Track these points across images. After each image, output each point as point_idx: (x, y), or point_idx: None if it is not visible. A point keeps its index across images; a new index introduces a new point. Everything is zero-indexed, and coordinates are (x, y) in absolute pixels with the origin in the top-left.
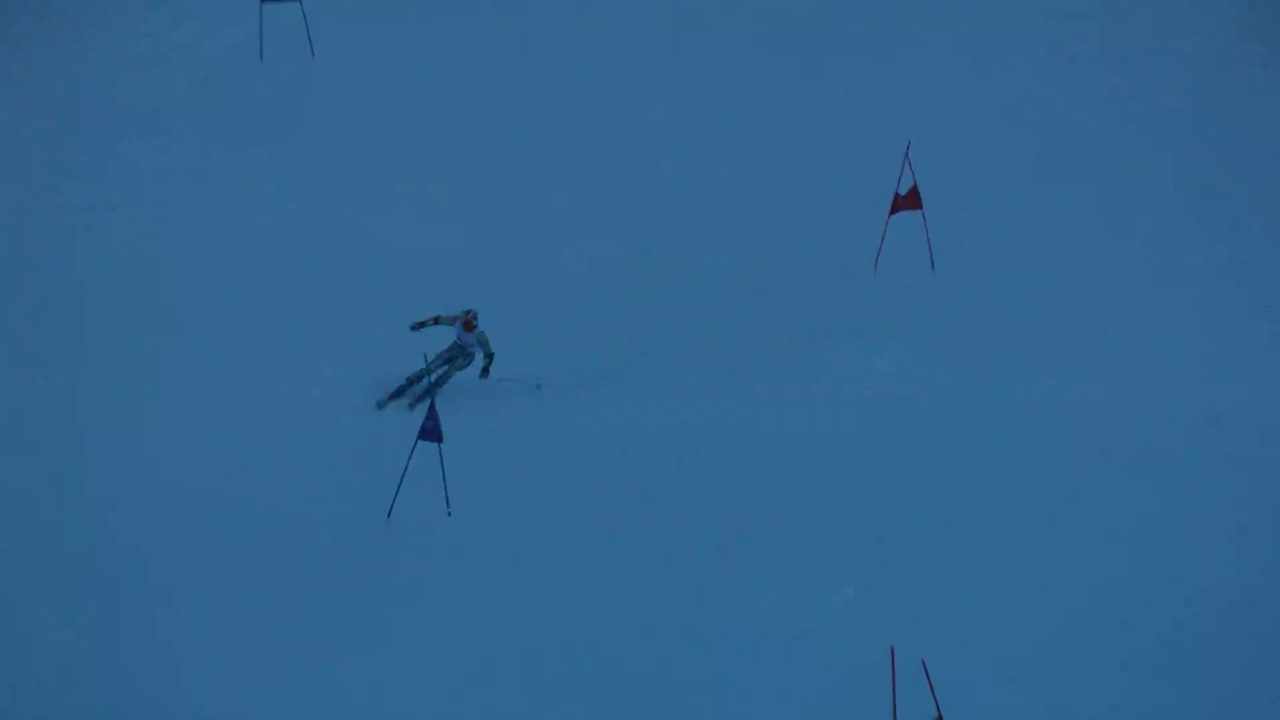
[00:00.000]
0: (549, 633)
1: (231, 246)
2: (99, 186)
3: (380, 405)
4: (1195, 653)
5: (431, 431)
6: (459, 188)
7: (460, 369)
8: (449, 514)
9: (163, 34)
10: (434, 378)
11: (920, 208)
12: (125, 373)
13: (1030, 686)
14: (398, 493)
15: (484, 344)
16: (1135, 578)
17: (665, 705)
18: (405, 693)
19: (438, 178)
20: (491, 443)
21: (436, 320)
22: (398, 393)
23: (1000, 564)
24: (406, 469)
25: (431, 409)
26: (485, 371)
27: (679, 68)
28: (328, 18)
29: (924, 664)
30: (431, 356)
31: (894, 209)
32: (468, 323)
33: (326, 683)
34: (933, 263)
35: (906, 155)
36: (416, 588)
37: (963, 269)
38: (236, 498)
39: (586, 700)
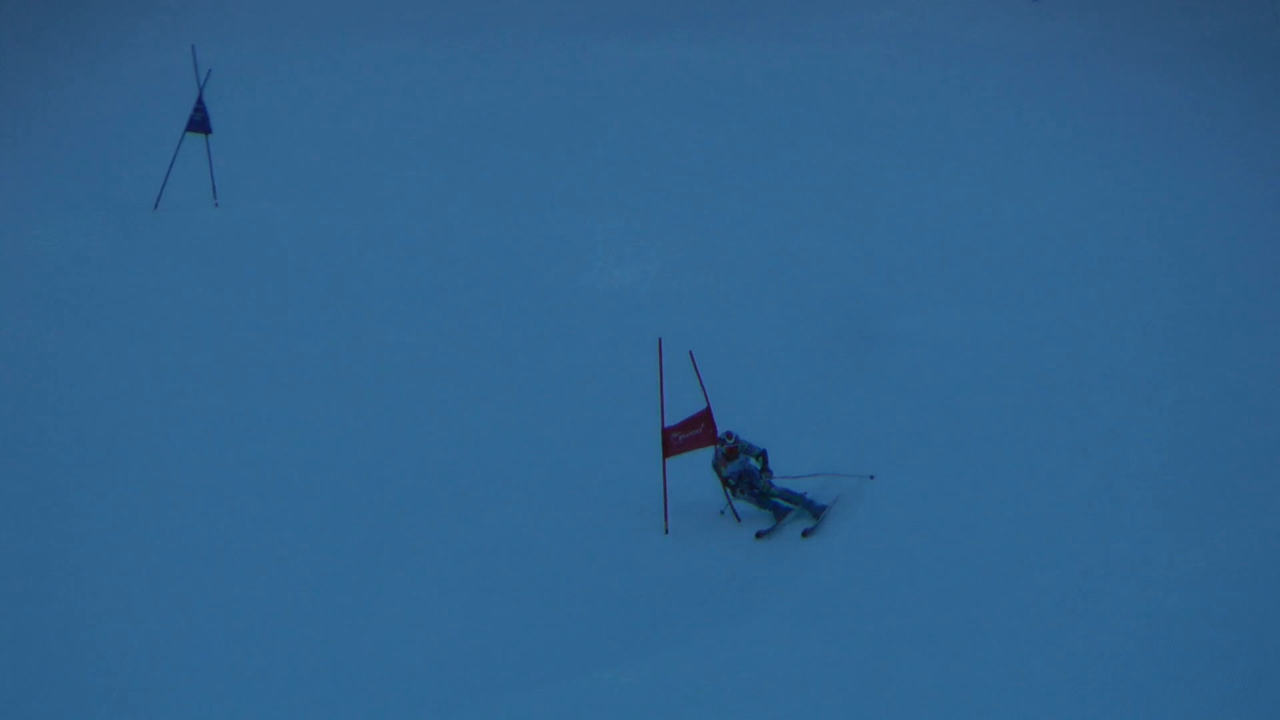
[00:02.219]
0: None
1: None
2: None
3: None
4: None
5: (200, 124)
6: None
7: (767, 480)
8: (216, 205)
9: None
10: (802, 504)
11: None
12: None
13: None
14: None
15: (746, 449)
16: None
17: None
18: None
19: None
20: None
21: (731, 488)
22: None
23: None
24: (172, 164)
25: (199, 101)
26: (767, 472)
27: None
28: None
29: (690, 354)
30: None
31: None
32: (731, 450)
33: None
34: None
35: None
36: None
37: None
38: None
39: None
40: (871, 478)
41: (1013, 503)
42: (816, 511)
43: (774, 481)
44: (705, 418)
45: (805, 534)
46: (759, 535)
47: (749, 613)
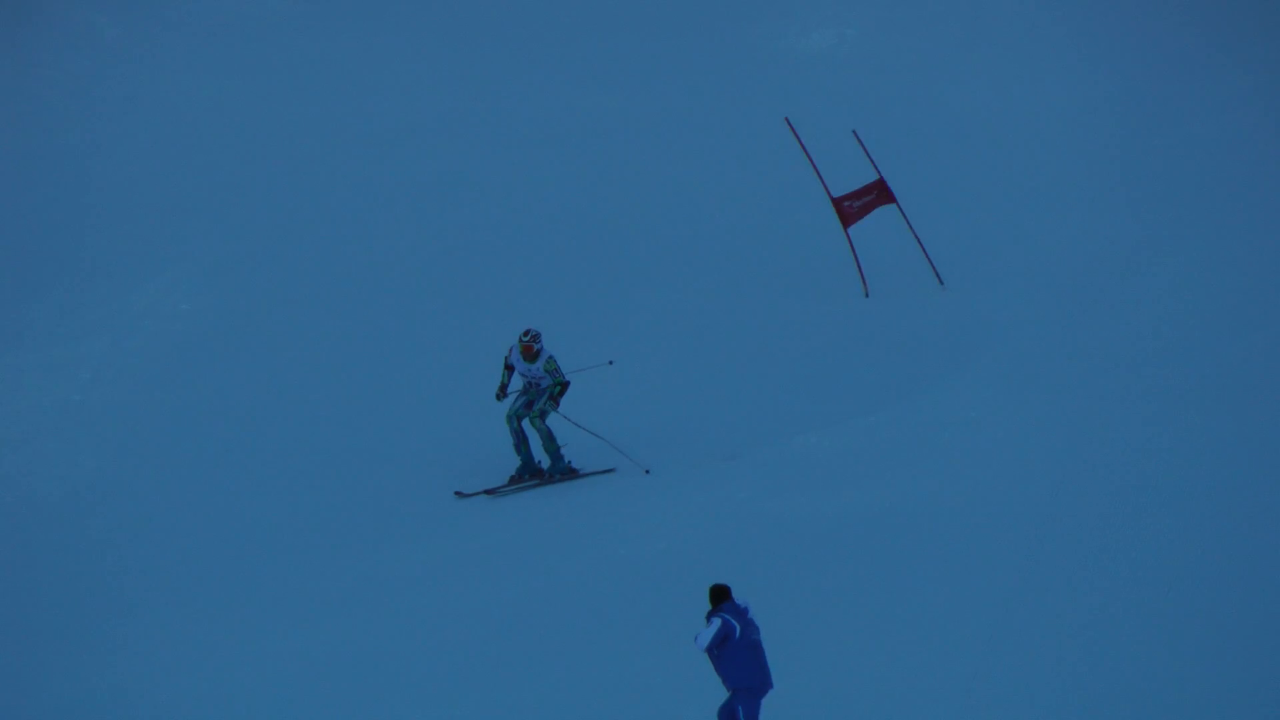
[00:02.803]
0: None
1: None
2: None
3: (493, 492)
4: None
5: None
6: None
7: (547, 408)
8: None
9: None
10: (545, 445)
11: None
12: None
13: None
14: None
15: (552, 370)
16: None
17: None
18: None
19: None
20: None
21: (509, 367)
22: (517, 477)
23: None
24: None
25: None
26: (554, 400)
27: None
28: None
29: (855, 134)
30: (513, 404)
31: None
32: (526, 346)
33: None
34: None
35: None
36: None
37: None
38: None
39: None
40: (647, 472)
41: None
42: (563, 472)
43: (553, 416)
44: (880, 185)
45: (490, 492)
46: (459, 494)
47: (949, 374)
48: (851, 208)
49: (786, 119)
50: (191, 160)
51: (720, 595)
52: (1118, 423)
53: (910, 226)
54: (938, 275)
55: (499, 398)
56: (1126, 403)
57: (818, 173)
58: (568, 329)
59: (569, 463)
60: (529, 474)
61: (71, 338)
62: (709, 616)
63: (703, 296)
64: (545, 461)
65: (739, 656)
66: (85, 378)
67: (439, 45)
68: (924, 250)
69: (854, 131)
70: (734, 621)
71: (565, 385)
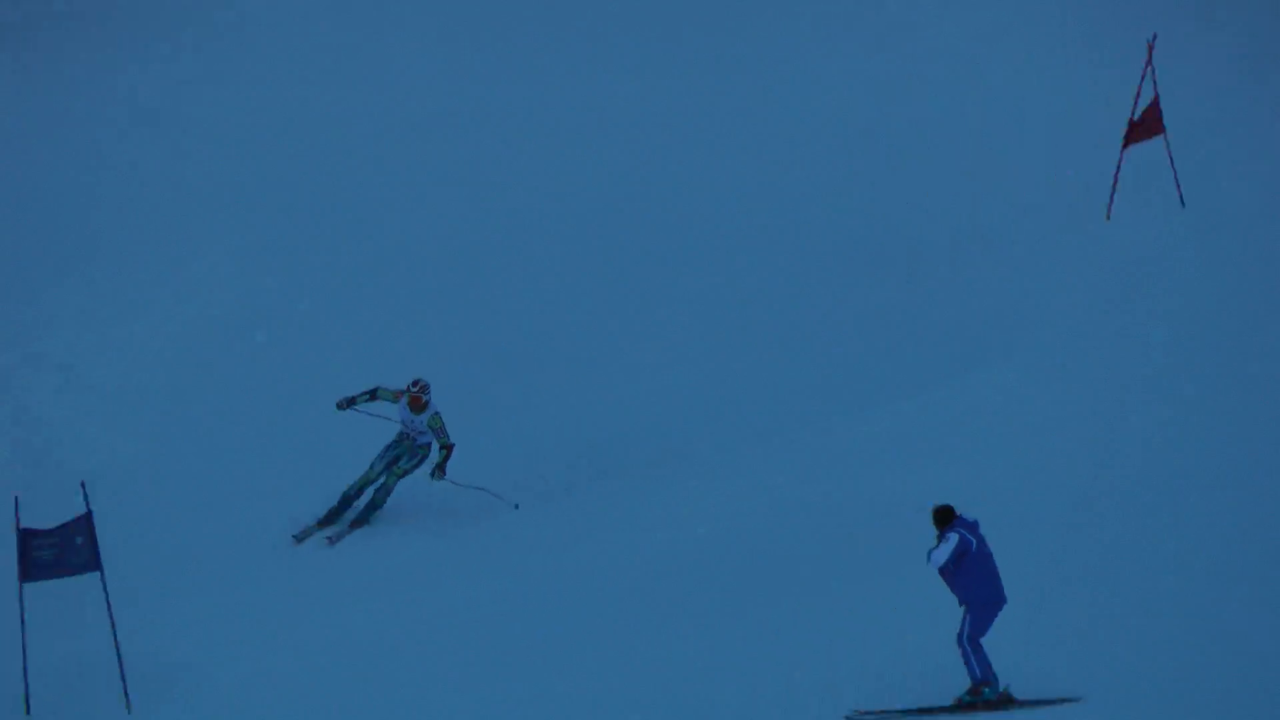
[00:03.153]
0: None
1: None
2: None
3: (298, 538)
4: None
5: None
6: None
7: (408, 470)
8: None
9: None
10: (375, 494)
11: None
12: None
13: None
14: None
15: (437, 429)
16: None
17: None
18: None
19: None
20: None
21: (373, 395)
22: (328, 517)
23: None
24: None
25: None
26: (440, 470)
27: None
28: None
29: (1150, 44)
30: (379, 461)
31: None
32: (414, 397)
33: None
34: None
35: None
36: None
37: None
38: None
39: None
40: (516, 507)
41: None
42: (360, 520)
43: (403, 478)
44: (1157, 109)
45: (297, 538)
46: (296, 538)
47: (977, 365)
48: (1139, 129)
49: (1155, 34)
50: (230, 146)
51: (947, 515)
52: (1143, 411)
53: (1169, 153)
54: (1181, 198)
55: (340, 407)
56: (1161, 390)
57: (1139, 92)
58: (602, 312)
59: (369, 519)
60: (333, 520)
61: (109, 322)
62: (940, 536)
63: (744, 279)
64: (356, 510)
65: (975, 570)
66: (123, 361)
67: (477, 33)
68: (1175, 173)
69: (1149, 41)
70: (969, 536)
71: (450, 449)
